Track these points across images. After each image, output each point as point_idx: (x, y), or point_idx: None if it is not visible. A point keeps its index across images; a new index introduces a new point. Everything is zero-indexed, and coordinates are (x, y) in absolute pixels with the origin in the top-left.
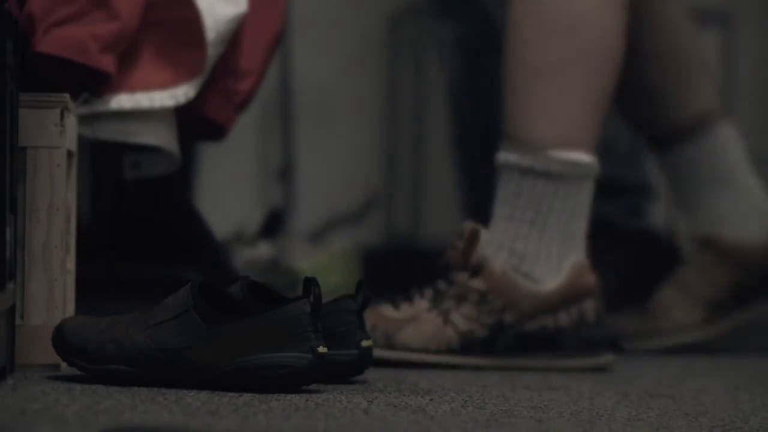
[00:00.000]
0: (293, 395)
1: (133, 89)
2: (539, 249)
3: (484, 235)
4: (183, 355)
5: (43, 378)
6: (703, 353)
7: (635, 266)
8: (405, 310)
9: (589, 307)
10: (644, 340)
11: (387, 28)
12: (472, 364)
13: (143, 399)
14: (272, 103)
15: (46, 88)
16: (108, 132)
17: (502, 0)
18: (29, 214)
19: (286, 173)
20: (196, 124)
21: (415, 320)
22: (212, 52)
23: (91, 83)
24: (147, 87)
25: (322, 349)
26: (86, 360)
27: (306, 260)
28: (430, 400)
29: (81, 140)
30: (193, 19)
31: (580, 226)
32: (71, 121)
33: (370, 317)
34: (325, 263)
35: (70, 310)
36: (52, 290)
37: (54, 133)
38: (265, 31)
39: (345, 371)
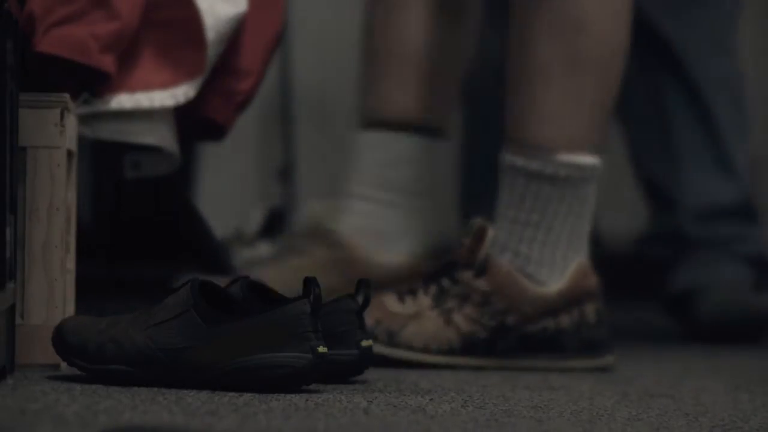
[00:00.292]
0: (293, 395)
1: (133, 89)
2: (544, 252)
3: (491, 232)
4: (183, 355)
5: (43, 378)
6: (703, 353)
7: None
8: (409, 306)
9: (590, 308)
10: None
11: None
12: (472, 365)
13: (143, 399)
14: (272, 103)
15: (46, 88)
16: (108, 132)
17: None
18: (29, 214)
19: (286, 173)
20: (196, 124)
21: (418, 318)
22: (212, 52)
23: (91, 83)
24: (147, 87)
25: (322, 349)
26: (86, 360)
27: None
28: (430, 400)
29: (81, 140)
30: (193, 19)
31: (585, 227)
32: (71, 121)
33: (374, 311)
34: None
35: (70, 310)
36: (52, 290)
37: (54, 133)
38: (265, 31)
39: (345, 371)
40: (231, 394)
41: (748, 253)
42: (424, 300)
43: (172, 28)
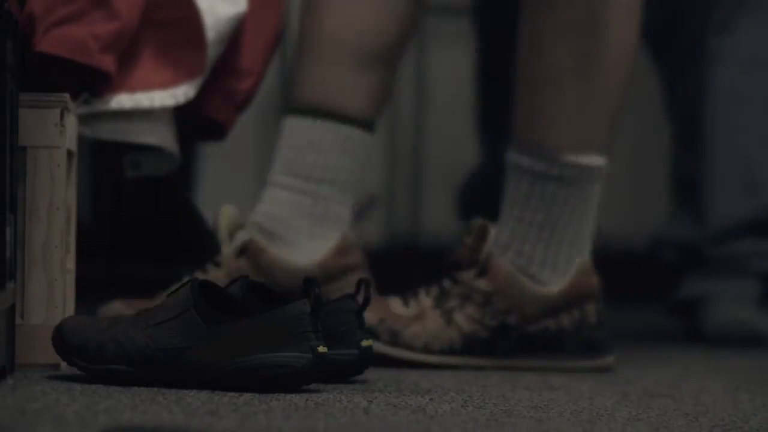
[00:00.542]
0: (293, 395)
1: (133, 89)
2: (548, 252)
3: (493, 231)
4: (183, 354)
5: (43, 378)
6: (703, 353)
7: None
8: (412, 307)
9: (591, 308)
10: None
11: None
12: (472, 365)
13: (143, 399)
14: (272, 103)
15: (46, 88)
16: (108, 132)
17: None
18: (29, 214)
19: None
20: (197, 123)
21: (420, 318)
22: (212, 52)
23: (91, 83)
24: (147, 87)
25: (322, 349)
26: (86, 360)
27: None
28: (430, 399)
29: (81, 140)
30: (193, 19)
31: (588, 227)
32: (71, 121)
33: (378, 310)
34: None
35: (70, 309)
36: (52, 290)
37: (54, 133)
38: (265, 31)
39: (345, 371)
40: (231, 394)
41: (761, 268)
42: (426, 301)
43: (172, 28)
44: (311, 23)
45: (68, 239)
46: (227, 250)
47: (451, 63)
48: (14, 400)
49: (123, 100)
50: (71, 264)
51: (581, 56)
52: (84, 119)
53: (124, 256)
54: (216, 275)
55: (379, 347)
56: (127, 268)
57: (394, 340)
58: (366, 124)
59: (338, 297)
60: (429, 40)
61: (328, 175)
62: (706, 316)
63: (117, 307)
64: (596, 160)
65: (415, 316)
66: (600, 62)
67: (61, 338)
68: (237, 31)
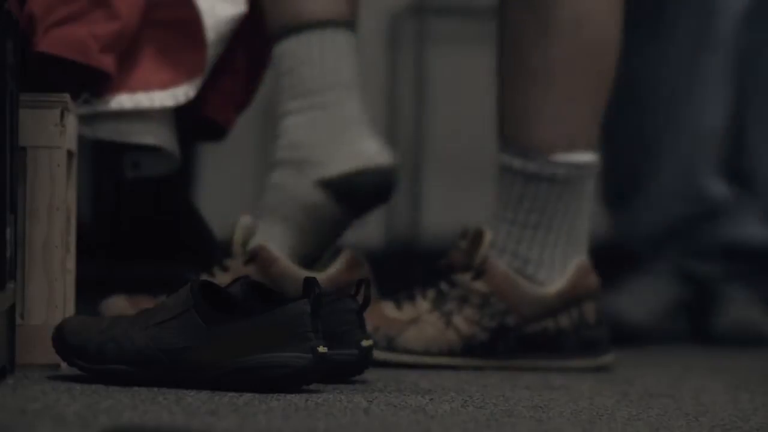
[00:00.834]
0: (293, 395)
1: (133, 89)
2: (543, 252)
3: (488, 235)
4: (183, 355)
5: (43, 378)
6: (704, 353)
7: None
8: (407, 311)
9: (590, 307)
10: None
11: (387, 26)
12: (472, 366)
13: (143, 399)
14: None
15: (46, 88)
16: (108, 132)
17: None
18: (29, 214)
19: None
20: (196, 124)
21: (417, 322)
22: (212, 52)
23: (91, 83)
24: (147, 87)
25: (322, 349)
26: (86, 360)
27: None
28: (430, 399)
29: (81, 140)
30: (193, 20)
31: (584, 225)
32: (71, 121)
33: (372, 318)
34: None
35: (70, 310)
36: (52, 290)
37: (54, 133)
38: (265, 31)
39: (345, 371)
40: (231, 394)
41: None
42: (423, 304)
43: (172, 28)
44: None
45: (68, 239)
46: (239, 260)
47: (451, 63)
48: (14, 400)
49: (123, 101)
50: (71, 264)
51: (564, 55)
52: (84, 119)
53: (124, 256)
54: (223, 280)
55: (378, 355)
56: (127, 268)
57: (391, 345)
58: (346, 24)
59: (338, 297)
60: (429, 40)
61: (328, 80)
62: (717, 318)
63: (118, 302)
64: (587, 157)
65: (411, 320)
66: (583, 59)
67: (61, 338)
68: (237, 31)
